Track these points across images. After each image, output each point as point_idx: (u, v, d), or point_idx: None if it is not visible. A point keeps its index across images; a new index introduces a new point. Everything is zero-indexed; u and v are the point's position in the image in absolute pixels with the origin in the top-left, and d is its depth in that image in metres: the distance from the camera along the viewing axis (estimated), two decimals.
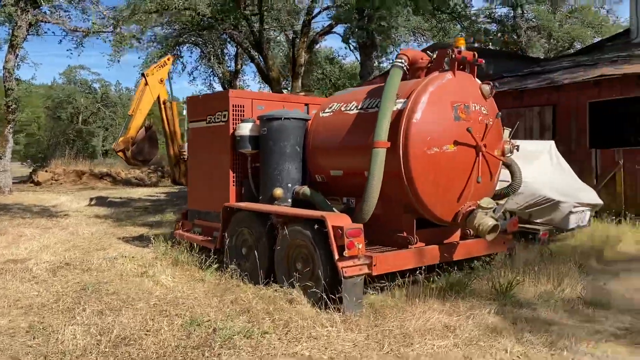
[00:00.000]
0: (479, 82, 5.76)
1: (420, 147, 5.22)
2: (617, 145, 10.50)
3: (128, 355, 4.24)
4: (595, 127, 10.84)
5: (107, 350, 4.30)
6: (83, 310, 5.25)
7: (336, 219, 5.08)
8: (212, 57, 29.50)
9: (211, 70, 30.70)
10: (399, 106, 5.38)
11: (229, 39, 26.74)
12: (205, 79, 31.49)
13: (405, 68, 5.65)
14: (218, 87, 31.00)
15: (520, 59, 17.12)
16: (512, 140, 6.36)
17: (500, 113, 5.62)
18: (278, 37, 30.09)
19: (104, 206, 16.51)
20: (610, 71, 10.51)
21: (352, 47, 23.39)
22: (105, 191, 22.66)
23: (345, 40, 21.30)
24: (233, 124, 6.80)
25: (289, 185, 6.32)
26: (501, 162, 6.56)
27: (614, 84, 10.20)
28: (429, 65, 5.81)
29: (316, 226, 5.16)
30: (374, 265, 5.14)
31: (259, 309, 5.14)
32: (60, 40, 20.05)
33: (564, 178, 8.26)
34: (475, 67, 5.75)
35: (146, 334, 4.64)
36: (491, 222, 5.33)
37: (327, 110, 6.37)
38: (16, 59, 19.42)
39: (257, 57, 26.70)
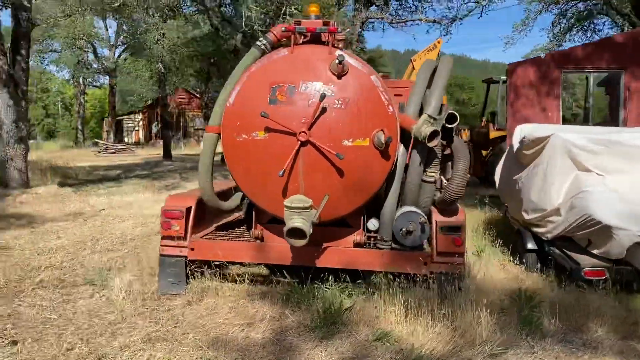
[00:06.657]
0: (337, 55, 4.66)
1: (230, 134, 4.81)
2: None
3: None
4: None
5: None
6: (41, 256, 6.81)
7: (173, 200, 5.37)
8: None
9: None
10: None
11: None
12: None
13: (265, 47, 5.09)
14: None
15: None
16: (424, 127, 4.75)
17: (324, 94, 4.47)
18: None
19: None
20: None
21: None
22: None
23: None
24: None
25: None
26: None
27: None
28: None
29: None
30: (192, 250, 5.19)
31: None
32: (427, 31, 22.51)
33: None
34: (333, 37, 4.70)
35: (29, 278, 5.86)
36: (296, 224, 4.44)
37: None
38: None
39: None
